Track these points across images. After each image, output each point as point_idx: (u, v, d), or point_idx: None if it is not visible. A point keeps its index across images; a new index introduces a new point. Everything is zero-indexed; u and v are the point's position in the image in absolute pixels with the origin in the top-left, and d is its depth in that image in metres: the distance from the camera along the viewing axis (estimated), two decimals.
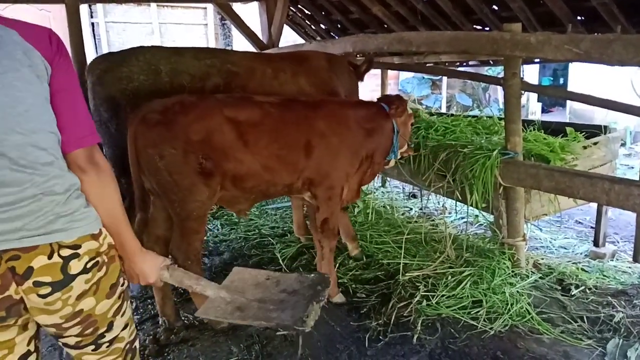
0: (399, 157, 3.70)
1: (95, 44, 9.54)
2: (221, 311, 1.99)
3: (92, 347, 1.58)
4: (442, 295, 3.37)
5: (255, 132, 3.12)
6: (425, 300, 3.34)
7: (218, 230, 5.15)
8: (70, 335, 1.53)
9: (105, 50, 9.50)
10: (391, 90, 13.22)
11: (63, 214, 1.42)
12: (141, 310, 3.61)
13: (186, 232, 3.07)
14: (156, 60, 3.47)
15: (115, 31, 9.75)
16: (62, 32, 4.81)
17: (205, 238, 4.88)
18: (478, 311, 3.23)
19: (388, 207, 5.34)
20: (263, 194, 3.32)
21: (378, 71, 6.98)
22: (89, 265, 1.47)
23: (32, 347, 1.54)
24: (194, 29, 10.32)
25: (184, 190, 2.98)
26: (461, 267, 3.63)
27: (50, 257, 1.39)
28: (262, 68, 3.76)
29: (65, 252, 1.42)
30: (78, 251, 1.44)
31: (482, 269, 3.57)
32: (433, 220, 5.11)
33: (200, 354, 3.02)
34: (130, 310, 1.73)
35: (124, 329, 1.66)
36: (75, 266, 1.44)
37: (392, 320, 3.22)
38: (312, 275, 2.30)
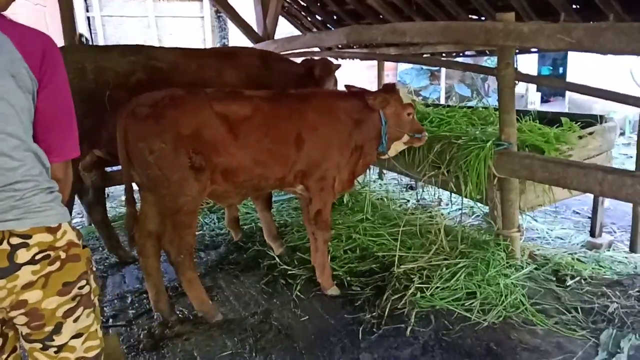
0: (402, 148, 3.67)
1: (92, 38, 9.48)
2: None
3: (40, 345, 1.54)
4: (437, 287, 3.36)
5: (246, 126, 3.11)
6: (419, 293, 3.33)
7: (215, 223, 5.14)
8: (19, 324, 1.51)
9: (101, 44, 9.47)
10: (389, 81, 13.19)
11: (18, 207, 1.43)
12: (136, 304, 3.62)
13: (178, 227, 3.06)
14: (82, 59, 3.50)
15: (111, 25, 9.70)
16: (58, 27, 4.81)
17: (201, 232, 4.91)
18: (472, 303, 3.22)
19: (385, 200, 5.33)
20: (254, 188, 3.31)
21: (375, 62, 6.96)
22: (37, 257, 1.45)
23: None
24: (191, 22, 10.26)
25: (174, 185, 2.97)
26: (456, 259, 3.62)
27: None
28: (186, 63, 3.79)
29: (15, 241, 1.42)
30: (28, 241, 1.44)
31: (476, 261, 3.56)
32: (430, 212, 5.09)
33: (194, 348, 3.02)
34: (93, 324, 1.65)
35: (75, 337, 1.58)
36: (22, 255, 1.43)
37: (386, 313, 3.21)
38: None
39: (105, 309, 3.59)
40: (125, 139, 2.97)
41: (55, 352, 1.55)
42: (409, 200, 5.76)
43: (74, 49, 3.67)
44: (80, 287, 1.57)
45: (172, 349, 3.02)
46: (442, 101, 13.08)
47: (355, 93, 3.57)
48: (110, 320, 3.43)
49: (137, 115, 2.93)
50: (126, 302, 3.67)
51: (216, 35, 10.19)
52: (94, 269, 1.72)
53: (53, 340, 1.53)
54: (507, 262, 3.59)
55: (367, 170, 4.04)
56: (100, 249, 4.60)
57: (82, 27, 9.24)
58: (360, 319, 3.20)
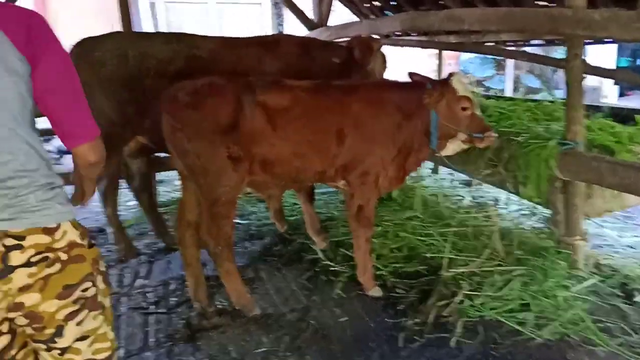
0: (460, 148, 3.30)
1: (155, 24, 9.69)
2: None
3: (44, 346, 1.49)
4: (487, 296, 3.13)
5: (286, 117, 3.01)
6: (468, 300, 3.11)
7: (262, 213, 5.08)
8: (21, 325, 1.46)
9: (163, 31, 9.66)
10: (451, 70, 12.65)
11: (12, 205, 1.36)
12: (179, 292, 3.61)
13: (215, 217, 3.01)
14: (124, 46, 3.53)
15: (173, 11, 9.86)
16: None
17: (248, 221, 4.87)
18: (525, 316, 2.97)
19: (437, 196, 5.05)
20: (293, 180, 3.22)
21: (436, 51, 6.63)
22: (34, 260, 1.39)
23: (4, 328, 1.48)
24: (249, 9, 10.27)
25: (212, 174, 2.92)
26: (511, 266, 3.37)
27: None
28: (226, 52, 3.72)
29: (9, 242, 1.36)
30: (22, 243, 1.37)
31: (534, 269, 3.29)
32: (486, 211, 4.79)
33: (229, 341, 2.97)
34: (101, 326, 1.59)
35: (81, 340, 1.52)
36: (15, 258, 1.36)
37: (430, 320, 3.03)
38: None
39: (148, 294, 3.61)
40: (166, 127, 2.93)
41: (60, 354, 1.50)
42: (464, 198, 5.47)
43: (115, 35, 3.67)
44: (85, 290, 1.50)
45: (208, 342, 2.98)
46: (508, 93, 12.43)
47: (408, 84, 3.36)
48: (152, 307, 3.45)
49: (177, 103, 2.89)
50: (169, 289, 3.67)
51: (273, 22, 10.14)
52: (103, 268, 1.64)
53: (55, 342, 1.48)
54: (568, 273, 3.29)
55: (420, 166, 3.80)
56: (150, 233, 4.66)
57: (145, 13, 9.46)
58: (402, 325, 3.04)
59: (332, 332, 3.02)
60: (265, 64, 3.77)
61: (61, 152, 8.02)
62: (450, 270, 3.44)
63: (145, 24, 9.53)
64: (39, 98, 1.42)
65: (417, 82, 3.27)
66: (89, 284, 1.51)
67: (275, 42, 3.92)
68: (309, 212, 4.05)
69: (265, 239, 4.47)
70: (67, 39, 3.71)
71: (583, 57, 3.10)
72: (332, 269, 3.73)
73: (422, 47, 5.43)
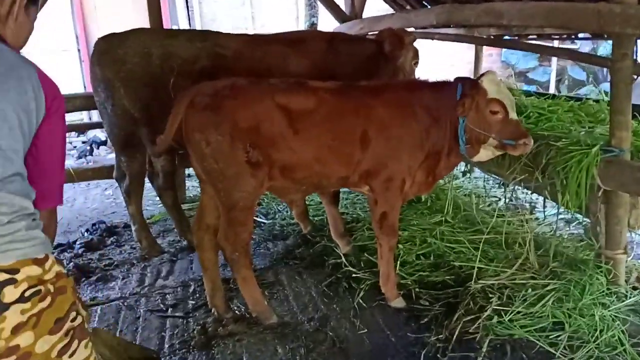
0: (493, 154, 3.06)
1: (189, 15, 9.69)
2: None
3: None
4: (518, 312, 2.93)
5: (307, 121, 2.89)
6: (496, 316, 2.91)
7: (287, 212, 4.98)
8: None
9: (198, 23, 9.67)
10: (492, 62, 12.16)
11: (2, 235, 1.28)
12: (197, 294, 3.56)
13: (232, 223, 2.92)
14: (149, 43, 3.50)
15: (207, 2, 9.83)
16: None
17: (272, 220, 4.79)
18: (559, 336, 2.76)
19: (471, 197, 4.79)
20: (315, 186, 3.10)
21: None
22: (27, 294, 1.29)
23: None
24: (284, 0, 10.14)
25: (230, 179, 2.82)
26: (545, 279, 3.15)
27: None
28: (250, 51, 3.63)
29: (2, 277, 1.27)
30: (15, 276, 1.28)
31: (569, 284, 3.06)
32: (523, 216, 4.52)
33: (244, 350, 2.89)
34: (91, 354, 1.52)
35: None
36: (10, 293, 1.27)
37: (455, 336, 2.85)
38: None
39: (167, 296, 3.58)
40: (185, 129, 2.85)
41: None
42: (499, 200, 5.20)
43: (139, 32, 3.62)
44: (72, 320, 1.42)
45: (223, 350, 2.92)
46: (552, 86, 11.88)
47: (438, 84, 3.15)
48: (170, 309, 3.41)
49: (196, 105, 2.81)
50: (188, 291, 3.63)
51: (307, 13, 9.98)
52: (79, 295, 1.57)
53: None
54: (608, 289, 3.04)
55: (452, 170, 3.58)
56: (174, 230, 4.63)
57: (180, 5, 9.46)
58: (424, 341, 2.88)
59: (350, 346, 2.90)
60: (291, 63, 3.65)
61: (96, 143, 8.13)
62: (480, 281, 3.25)
63: (180, 17, 9.54)
64: (33, 150, 1.45)
65: (448, 83, 3.06)
66: (74, 313, 1.44)
67: (301, 40, 3.79)
68: (332, 214, 3.92)
69: (289, 240, 4.36)
70: (105, 33, 3.72)
71: (635, 57, 2.83)
72: (355, 275, 3.59)
73: (459, 41, 5.18)
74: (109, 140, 6.97)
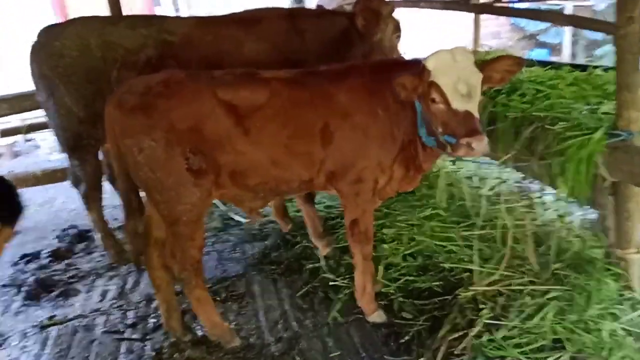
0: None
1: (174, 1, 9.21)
2: None
3: None
4: (512, 327, 2.52)
5: (259, 117, 2.46)
6: (487, 333, 2.52)
7: (268, 209, 4.59)
8: None
9: (184, 10, 9.20)
10: (500, 25, 11.42)
11: None
12: (159, 312, 3.22)
13: (178, 239, 2.57)
14: (86, 33, 3.12)
15: None
16: None
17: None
18: (560, 357, 2.35)
19: (465, 182, 4.28)
20: (274, 192, 2.69)
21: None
22: None
23: None
24: None
25: (169, 191, 2.44)
26: (545, 284, 2.74)
27: None
28: (200, 35, 3.21)
29: None
30: None
31: (574, 289, 2.65)
32: (528, 199, 4.02)
33: None
34: None
35: None
36: None
37: (438, 358, 2.47)
38: None
39: (128, 313, 3.27)
40: (113, 134, 2.47)
41: None
42: (504, 181, 4.67)
43: (77, 22, 3.24)
44: None
45: None
46: (566, 48, 11.12)
47: (410, 62, 2.68)
48: (129, 329, 3.09)
49: (123, 106, 2.41)
50: (150, 307, 3.30)
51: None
52: None
53: None
54: (619, 296, 2.62)
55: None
56: None
57: None
58: None
59: None
60: (246, 47, 3.21)
61: None
62: (470, 287, 2.85)
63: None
64: None
65: (419, 61, 2.57)
66: None
67: (256, 20, 3.32)
68: (309, 214, 3.52)
69: (267, 240, 4.00)
70: None
71: None
72: (333, 283, 3.21)
73: (447, 9, 4.64)
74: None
